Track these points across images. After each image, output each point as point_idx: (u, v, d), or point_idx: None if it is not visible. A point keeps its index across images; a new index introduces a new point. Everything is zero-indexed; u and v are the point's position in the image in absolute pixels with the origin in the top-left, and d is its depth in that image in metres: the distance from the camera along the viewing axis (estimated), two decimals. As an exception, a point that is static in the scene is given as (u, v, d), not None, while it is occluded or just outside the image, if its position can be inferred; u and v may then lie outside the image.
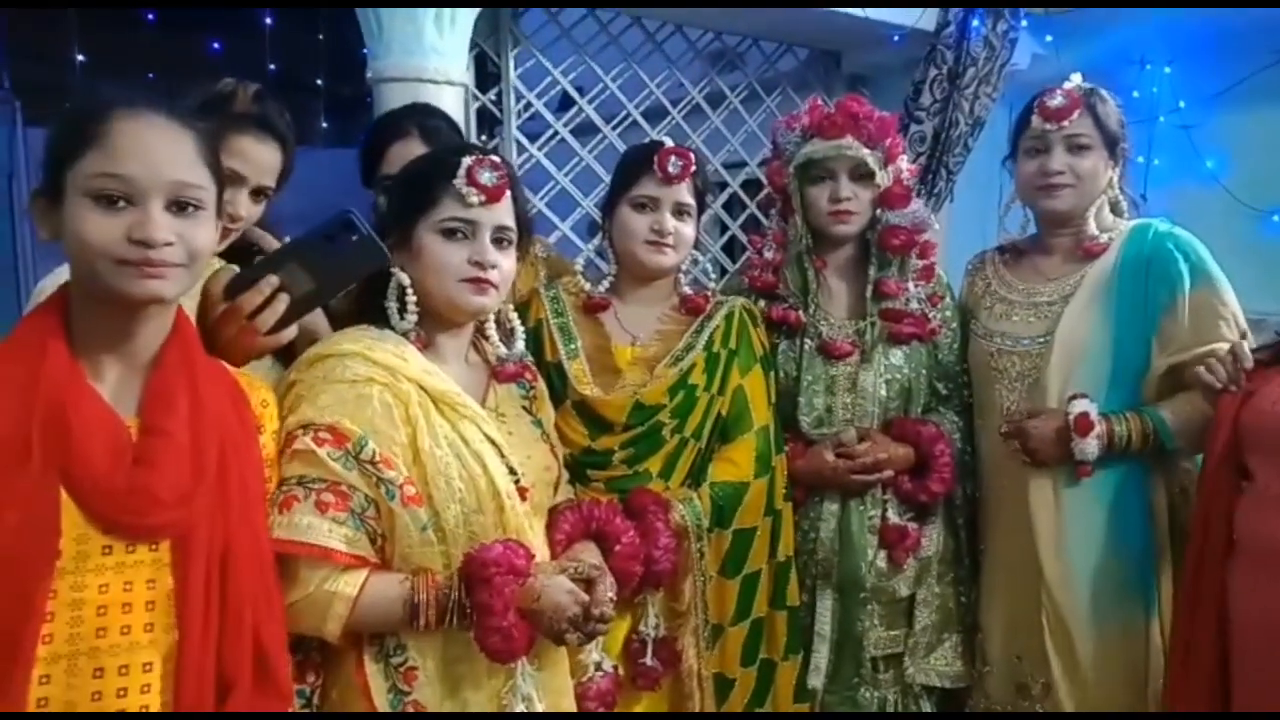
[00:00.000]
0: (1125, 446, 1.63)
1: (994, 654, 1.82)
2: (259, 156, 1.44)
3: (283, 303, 1.21)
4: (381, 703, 1.24)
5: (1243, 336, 1.66)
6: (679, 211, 1.66)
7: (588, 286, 1.73)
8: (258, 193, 1.46)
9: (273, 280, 1.20)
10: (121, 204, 0.97)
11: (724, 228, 3.29)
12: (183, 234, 1.00)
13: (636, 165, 1.67)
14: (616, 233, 1.69)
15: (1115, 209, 1.78)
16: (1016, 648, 1.77)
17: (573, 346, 1.69)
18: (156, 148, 0.99)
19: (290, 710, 1.12)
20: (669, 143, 1.67)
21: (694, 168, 1.65)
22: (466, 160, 1.28)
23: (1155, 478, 1.69)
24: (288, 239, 1.38)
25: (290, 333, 1.26)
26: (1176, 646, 1.55)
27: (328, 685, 1.29)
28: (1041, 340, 1.74)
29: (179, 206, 1.00)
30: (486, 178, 1.29)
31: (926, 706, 1.89)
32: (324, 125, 4.56)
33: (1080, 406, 1.63)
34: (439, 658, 1.27)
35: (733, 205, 3.32)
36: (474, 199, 1.28)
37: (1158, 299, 1.67)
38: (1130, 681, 1.65)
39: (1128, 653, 1.65)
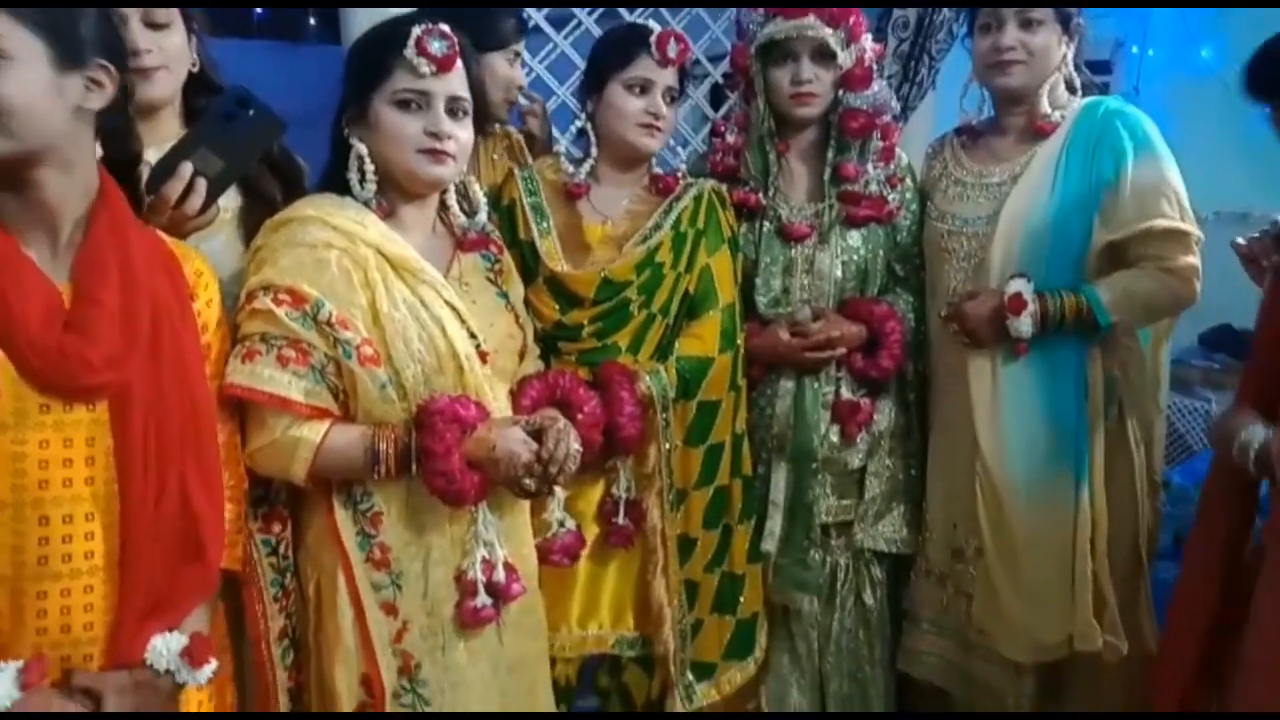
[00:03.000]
0: (1059, 323, 1.68)
1: (934, 521, 1.91)
2: None
3: (202, 185, 1.29)
4: (351, 545, 1.35)
5: (1184, 215, 1.70)
6: (668, 95, 1.70)
7: (570, 169, 1.76)
8: (153, 24, 1.38)
9: (188, 166, 1.29)
10: None
11: (705, 119, 3.28)
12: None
13: (631, 46, 1.69)
14: (605, 114, 1.72)
15: (1069, 86, 1.80)
16: (954, 515, 1.87)
17: (545, 225, 1.75)
18: None
19: (214, 575, 1.18)
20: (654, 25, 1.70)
21: (689, 52, 1.68)
22: (415, 30, 1.31)
23: (1092, 354, 1.74)
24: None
25: (213, 212, 1.34)
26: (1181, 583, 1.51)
27: (302, 530, 1.40)
28: (988, 220, 1.78)
29: None
30: (436, 47, 1.32)
31: (876, 571, 2.00)
32: (311, 22, 4.52)
33: (1015, 286, 1.67)
34: (402, 504, 1.37)
35: (717, 98, 3.30)
36: (425, 69, 1.32)
37: (1102, 176, 1.70)
38: (1057, 547, 1.73)
39: (1055, 520, 1.73)
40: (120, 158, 1.18)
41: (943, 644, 1.90)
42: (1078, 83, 1.80)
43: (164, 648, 1.09)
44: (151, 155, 1.30)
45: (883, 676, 2.00)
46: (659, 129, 1.70)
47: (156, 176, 1.28)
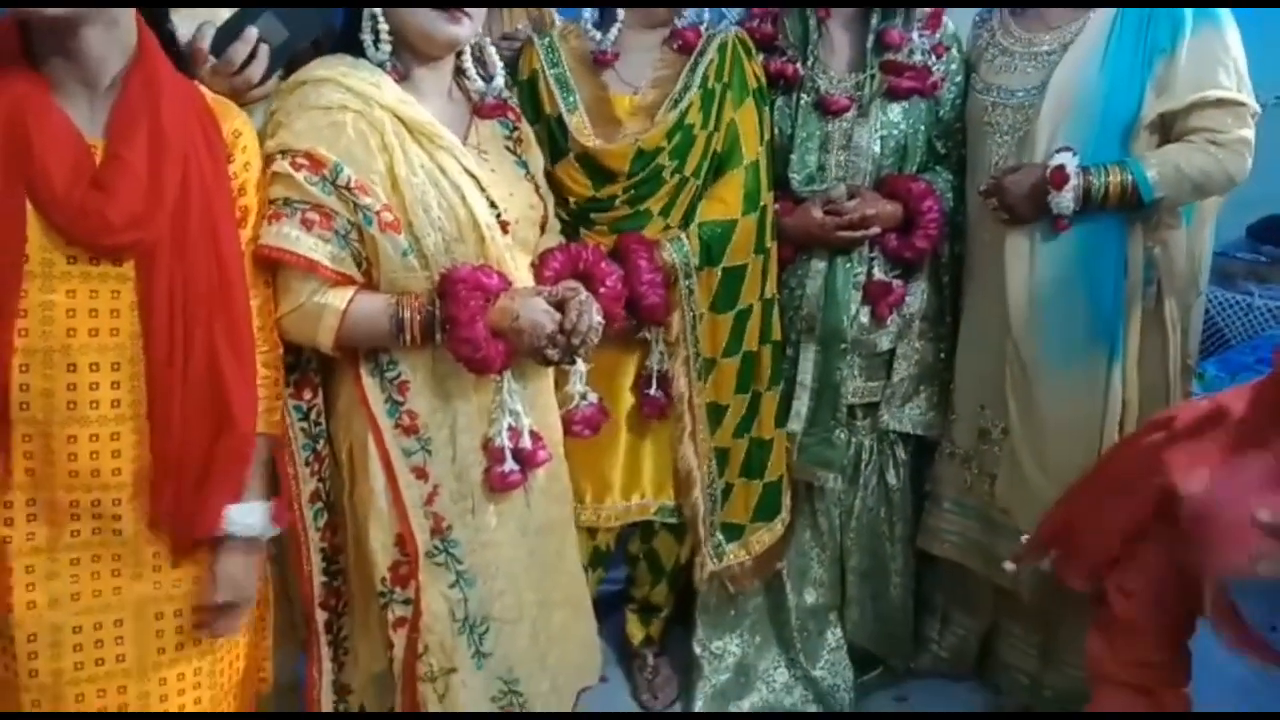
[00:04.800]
0: (1103, 200, 1.61)
1: (961, 402, 1.90)
2: None
3: (265, 53, 1.27)
4: (380, 412, 1.38)
5: (1241, 86, 1.60)
6: None
7: (598, 36, 1.70)
8: None
9: (254, 32, 1.26)
10: None
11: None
12: None
13: None
14: None
15: (1129, -53, 1.68)
16: (982, 396, 1.85)
17: (571, 99, 1.70)
18: None
19: (249, 441, 1.20)
20: None
21: None
22: None
23: (1133, 231, 1.68)
24: None
25: (272, 83, 1.32)
26: None
27: (332, 398, 1.43)
28: (1035, 91, 1.69)
29: None
30: None
31: (900, 453, 2.01)
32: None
33: (1059, 159, 1.60)
34: (428, 372, 1.38)
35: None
36: None
37: (1158, 44, 1.61)
38: (1085, 426, 1.71)
39: (1085, 400, 1.71)
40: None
41: (964, 523, 1.92)
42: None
43: (242, 518, 1.17)
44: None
45: (902, 553, 2.04)
46: None
47: (221, 40, 1.26)
